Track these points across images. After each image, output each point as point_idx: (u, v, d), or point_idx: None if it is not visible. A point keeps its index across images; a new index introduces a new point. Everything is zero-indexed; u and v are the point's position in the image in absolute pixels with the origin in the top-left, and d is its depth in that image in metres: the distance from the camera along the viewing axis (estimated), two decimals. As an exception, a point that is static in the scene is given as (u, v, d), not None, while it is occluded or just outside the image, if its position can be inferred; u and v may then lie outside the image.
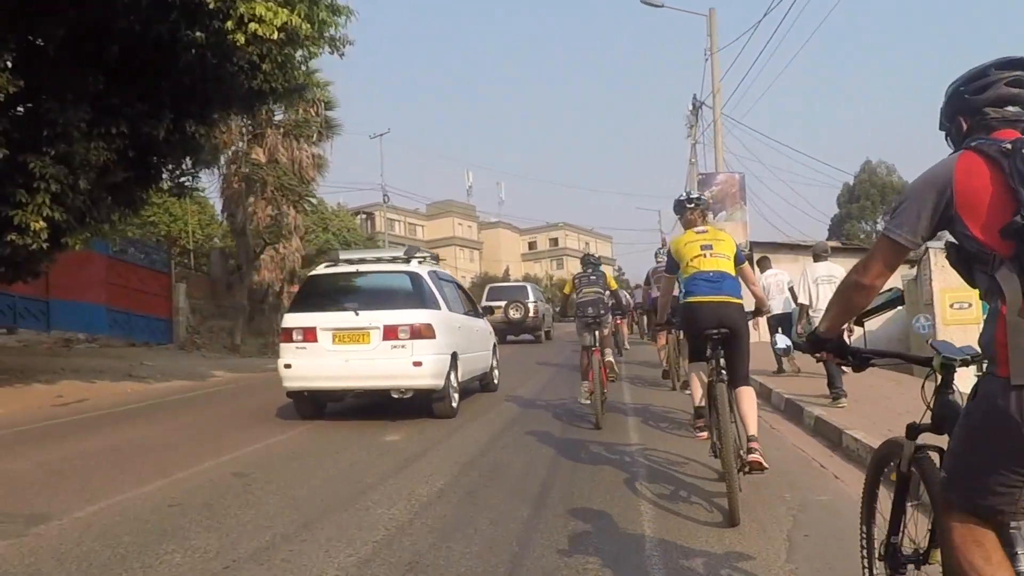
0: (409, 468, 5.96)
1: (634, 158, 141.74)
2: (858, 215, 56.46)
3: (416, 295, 8.87)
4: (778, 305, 11.00)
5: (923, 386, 2.53)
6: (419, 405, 8.67)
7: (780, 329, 10.56)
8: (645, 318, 20.84)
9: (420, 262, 9.66)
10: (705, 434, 5.48)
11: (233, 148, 22.43)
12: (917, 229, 2.15)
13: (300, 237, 35.78)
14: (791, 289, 11.25)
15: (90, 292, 18.60)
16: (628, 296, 20.31)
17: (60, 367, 13.96)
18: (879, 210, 56.08)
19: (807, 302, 9.24)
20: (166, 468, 6.06)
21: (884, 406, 8.06)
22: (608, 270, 9.27)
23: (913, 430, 2.53)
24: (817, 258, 9.65)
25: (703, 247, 5.49)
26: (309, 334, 8.60)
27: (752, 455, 4.84)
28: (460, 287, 11.40)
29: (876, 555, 2.75)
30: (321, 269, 9.77)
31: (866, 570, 2.84)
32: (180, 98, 11.89)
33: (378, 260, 9.79)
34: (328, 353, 8.49)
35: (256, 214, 21.94)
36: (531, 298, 24.05)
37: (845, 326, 7.63)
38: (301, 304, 9.15)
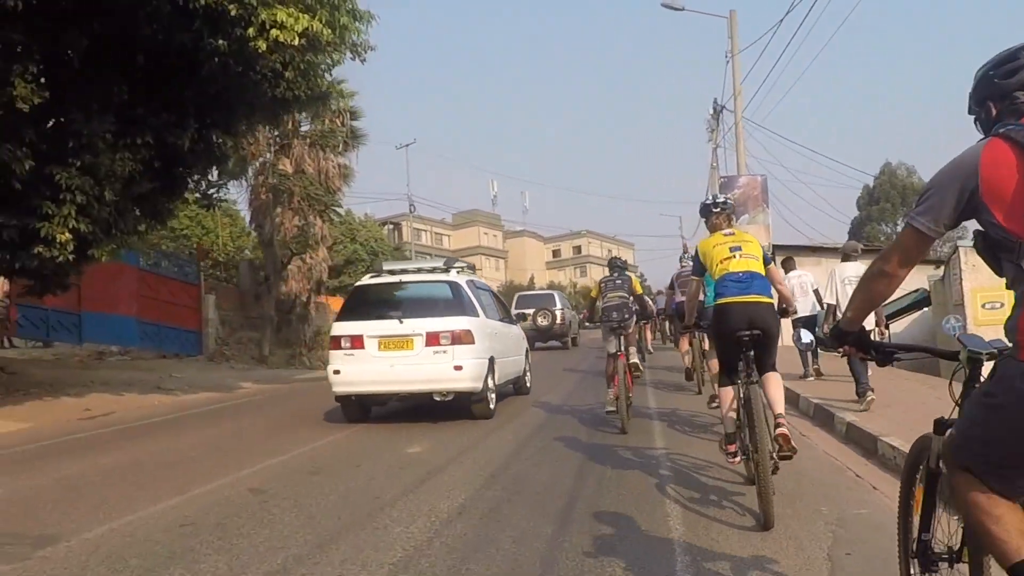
0: (430, 482, 5.77)
1: (656, 164, 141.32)
2: (878, 217, 55.66)
3: (456, 303, 9.32)
4: (804, 307, 10.82)
5: (951, 382, 2.46)
6: (447, 411, 8.92)
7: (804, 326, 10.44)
8: (668, 323, 20.69)
9: (459, 272, 10.14)
10: (738, 459, 5.25)
11: (261, 159, 22.50)
12: (940, 218, 2.14)
13: (328, 248, 35.99)
14: (816, 292, 11.11)
15: (121, 304, 18.73)
16: (651, 302, 20.18)
17: (90, 380, 14.02)
18: (899, 212, 55.35)
19: (835, 302, 8.98)
20: (184, 484, 5.93)
21: (920, 411, 7.68)
22: (631, 275, 9.19)
23: (941, 425, 2.47)
24: (846, 258, 9.44)
25: (732, 249, 5.42)
26: (356, 341, 9.04)
27: (780, 429, 4.86)
28: (495, 295, 11.84)
29: (910, 554, 2.70)
30: (366, 280, 10.17)
31: (902, 570, 2.78)
32: (204, 107, 11.90)
33: (419, 270, 10.25)
34: (374, 359, 8.95)
35: (283, 224, 21.96)
36: (558, 305, 24.60)
37: (878, 327, 7.41)
38: (348, 313, 9.53)
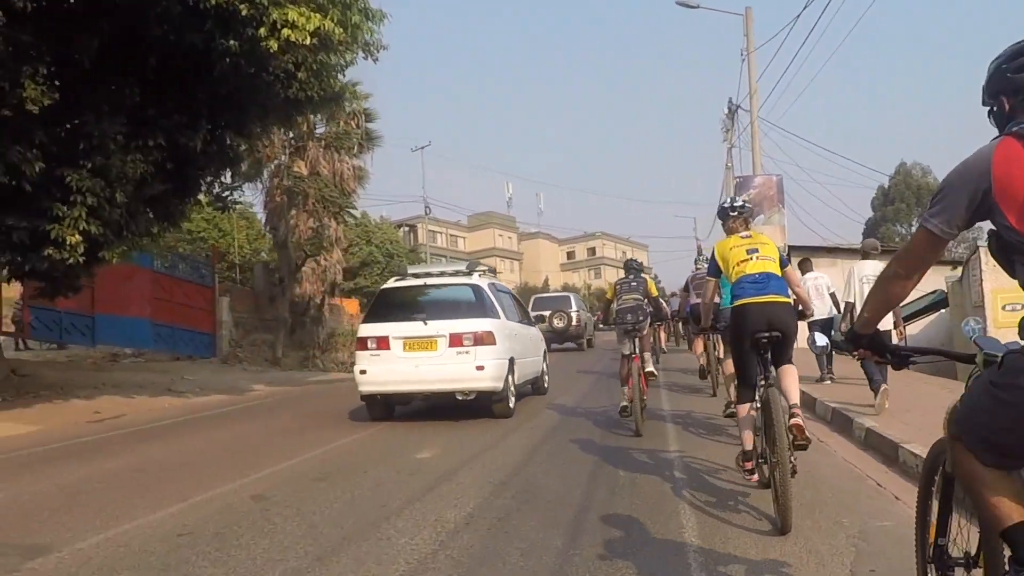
0: (438, 489, 5.61)
1: (670, 165, 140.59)
2: (893, 218, 55.11)
3: (478, 305, 9.63)
4: (820, 310, 10.62)
5: (967, 384, 2.40)
6: (460, 413, 9.06)
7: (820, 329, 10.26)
8: (681, 325, 20.54)
9: (480, 275, 10.45)
10: (756, 477, 5.11)
11: (276, 161, 22.47)
12: (954, 220, 2.11)
13: (344, 249, 35.96)
14: (832, 295, 10.95)
15: (135, 307, 18.72)
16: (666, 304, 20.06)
17: (101, 382, 13.99)
18: (914, 213, 54.89)
19: (853, 300, 8.78)
20: (186, 490, 5.81)
21: (940, 416, 7.40)
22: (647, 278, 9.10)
23: None
24: (866, 256, 9.24)
25: (749, 251, 5.40)
26: (382, 342, 9.33)
27: (794, 419, 4.87)
28: (515, 297, 12.16)
29: (927, 558, 2.67)
30: (391, 283, 10.38)
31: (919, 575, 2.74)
32: (216, 109, 11.84)
33: (442, 274, 10.52)
34: (400, 359, 9.25)
35: (298, 227, 21.89)
36: (574, 307, 24.83)
37: (896, 328, 7.32)
38: (374, 315, 9.83)
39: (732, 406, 7.42)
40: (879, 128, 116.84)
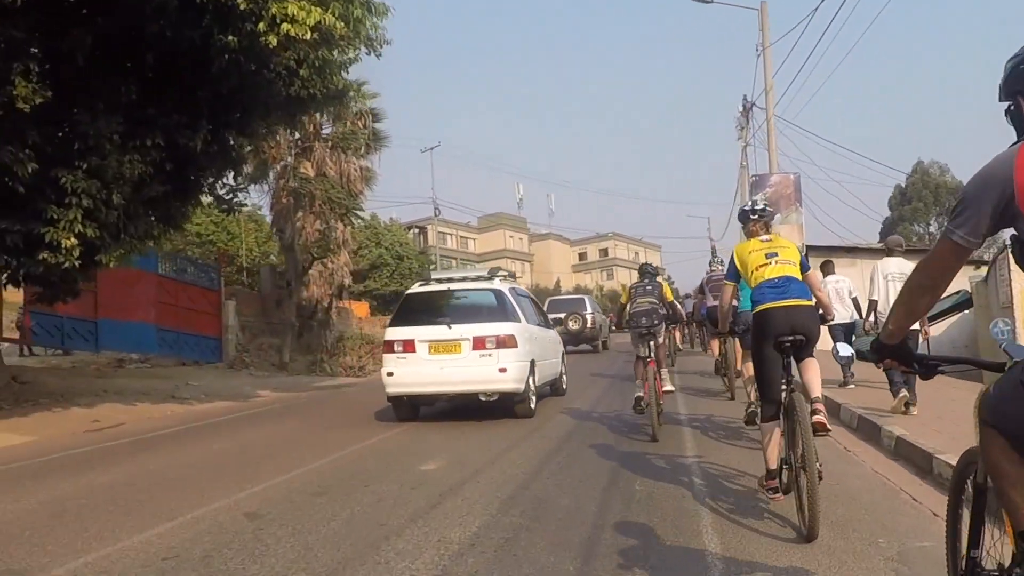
0: (443, 505, 5.25)
1: (683, 165, 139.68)
2: (911, 217, 54.61)
3: (500, 309, 9.95)
4: (841, 315, 10.43)
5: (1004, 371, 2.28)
6: (469, 421, 9.06)
7: (843, 338, 10.22)
8: (696, 326, 20.25)
9: (501, 280, 10.71)
10: (780, 497, 4.79)
11: (282, 163, 22.18)
12: (978, 229, 2.08)
13: (354, 252, 35.67)
14: (855, 300, 10.71)
15: (139, 311, 18.42)
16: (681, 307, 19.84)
17: (103, 389, 13.71)
18: (932, 212, 54.47)
19: (877, 298, 8.42)
20: (176, 507, 5.47)
21: (973, 424, 7.08)
22: (662, 282, 8.88)
23: None
24: (890, 253, 8.87)
25: (768, 255, 5.28)
26: (408, 345, 9.66)
27: (816, 416, 4.79)
28: (534, 301, 12.46)
29: (959, 571, 2.60)
30: (416, 288, 10.69)
31: None
32: (217, 108, 11.54)
33: (464, 279, 10.77)
34: (425, 362, 9.57)
35: (304, 229, 21.57)
36: (588, 310, 24.82)
37: (921, 327, 7.04)
38: (400, 319, 10.10)
39: (752, 406, 7.23)
40: (896, 125, 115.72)
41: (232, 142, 12.98)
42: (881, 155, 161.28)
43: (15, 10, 8.49)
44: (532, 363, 10.02)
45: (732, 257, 5.63)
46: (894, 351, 2.39)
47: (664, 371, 8.59)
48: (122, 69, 10.36)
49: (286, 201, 21.82)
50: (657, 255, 79.65)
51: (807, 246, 18.27)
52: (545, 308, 24.04)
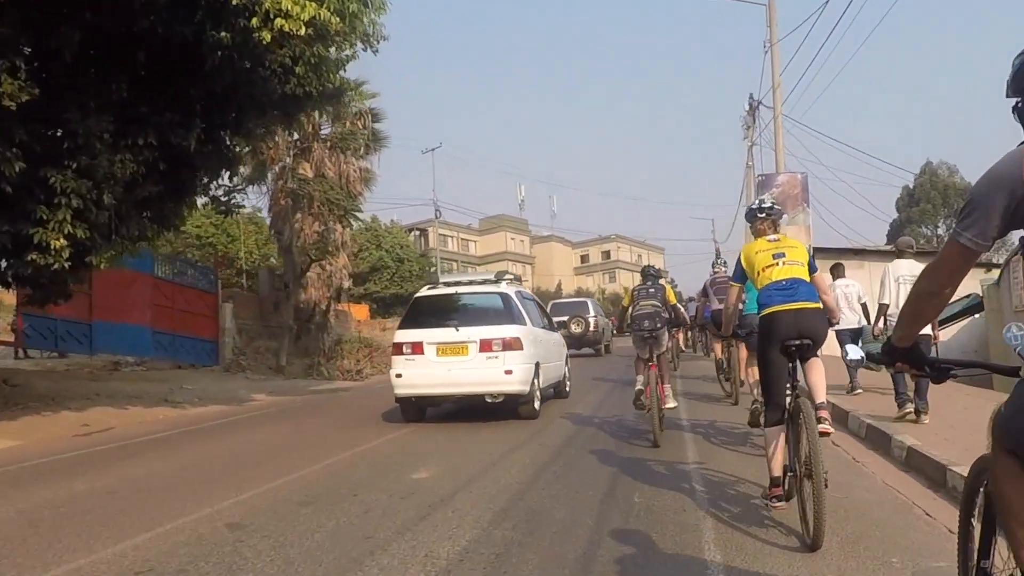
0: (432, 517, 5.03)
1: (687, 166, 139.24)
2: (919, 219, 54.14)
3: (506, 312, 10.09)
4: (850, 320, 10.29)
5: (1012, 391, 2.18)
6: (465, 426, 9.01)
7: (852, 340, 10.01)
8: (699, 330, 20.09)
9: (508, 283, 10.92)
10: (784, 505, 4.66)
11: (280, 164, 21.98)
12: (987, 231, 2.04)
13: (355, 254, 35.46)
14: (864, 306, 10.51)
15: (134, 314, 18.21)
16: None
17: (96, 392, 13.50)
18: (940, 213, 54.13)
19: (888, 301, 8.22)
20: (156, 517, 5.26)
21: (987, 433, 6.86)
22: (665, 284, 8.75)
23: None
24: (900, 255, 8.67)
25: (775, 256, 5.17)
26: (417, 348, 9.85)
27: (822, 424, 4.65)
28: (539, 304, 12.62)
29: None
30: (424, 291, 10.93)
31: None
32: (211, 106, 11.36)
33: (471, 282, 11.01)
34: (433, 364, 9.75)
35: (303, 230, 21.33)
36: (591, 313, 25.00)
37: (932, 329, 6.88)
38: (409, 322, 10.29)
39: (756, 403, 7.28)
40: (905, 125, 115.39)
41: (229, 142, 12.80)
42: (889, 155, 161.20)
43: (0, 6, 8.31)
44: (537, 365, 10.18)
45: (739, 258, 5.49)
46: (905, 354, 2.34)
47: (667, 387, 8.46)
48: (113, 66, 10.17)
49: (284, 202, 21.59)
50: (660, 257, 79.27)
51: (814, 248, 18.02)
52: (548, 311, 24.06)
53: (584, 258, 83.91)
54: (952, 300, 2.47)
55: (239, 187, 16.02)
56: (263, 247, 34.52)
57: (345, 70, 12.55)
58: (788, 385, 4.88)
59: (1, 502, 5.96)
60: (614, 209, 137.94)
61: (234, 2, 9.09)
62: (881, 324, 8.26)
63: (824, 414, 4.80)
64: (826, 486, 4.14)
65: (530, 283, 65.37)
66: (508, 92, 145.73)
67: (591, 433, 8.70)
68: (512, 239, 74.73)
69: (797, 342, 4.86)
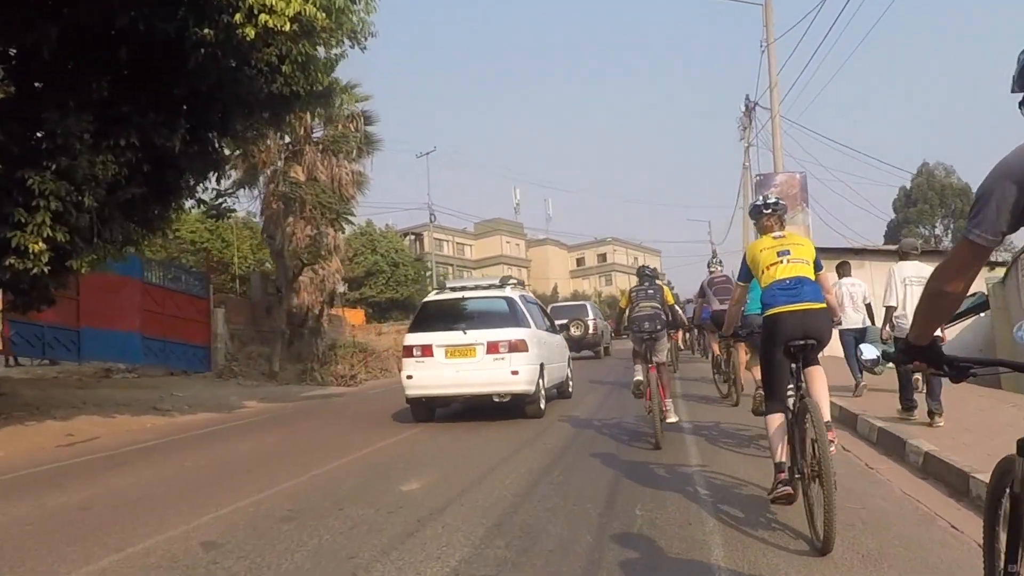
0: (421, 533, 4.71)
1: (683, 168, 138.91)
2: (916, 220, 54.14)
3: (512, 315, 10.43)
4: (854, 320, 10.12)
5: None
6: (460, 434, 8.84)
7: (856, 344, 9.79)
8: (696, 332, 19.95)
9: (512, 287, 11.28)
10: (789, 490, 4.45)
11: (272, 167, 21.67)
12: (998, 226, 2.01)
13: (350, 259, 35.09)
14: (868, 306, 10.34)
15: (124, 320, 17.88)
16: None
17: (83, 401, 13.19)
18: (938, 214, 54.11)
19: (895, 304, 7.99)
20: (128, 535, 4.95)
21: (1008, 435, 6.55)
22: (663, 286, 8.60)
23: None
24: (904, 257, 8.44)
25: (779, 253, 5.07)
26: (426, 350, 10.16)
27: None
28: (542, 308, 12.96)
29: None
30: (432, 296, 11.39)
31: None
32: (196, 106, 11.07)
33: (477, 287, 11.39)
34: (442, 366, 10.09)
35: (295, 234, 21.03)
36: (590, 316, 25.16)
37: (940, 332, 6.59)
38: (418, 326, 10.63)
39: (759, 390, 7.09)
40: (902, 125, 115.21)
41: (217, 143, 12.52)
42: (886, 155, 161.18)
43: (-28, 2, 8.03)
44: (542, 366, 10.46)
45: (744, 257, 5.42)
46: (923, 353, 2.29)
47: (668, 401, 8.35)
48: (93, 65, 9.87)
49: (276, 206, 21.29)
50: (657, 259, 78.92)
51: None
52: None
53: (580, 261, 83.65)
54: None
55: (230, 191, 15.76)
56: (258, 252, 34.22)
57: (334, 70, 12.28)
58: (793, 387, 4.80)
59: (-33, 519, 5.65)
60: (610, 212, 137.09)
61: None
62: (888, 329, 8.02)
63: (832, 435, 4.68)
64: (835, 488, 3.98)
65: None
66: (502, 95, 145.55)
67: (590, 437, 8.50)
68: (508, 243, 74.46)
69: (801, 343, 4.76)
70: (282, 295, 21.46)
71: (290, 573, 4.06)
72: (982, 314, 13.15)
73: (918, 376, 7.99)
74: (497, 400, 10.04)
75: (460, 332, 10.19)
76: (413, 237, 56.06)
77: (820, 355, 5.10)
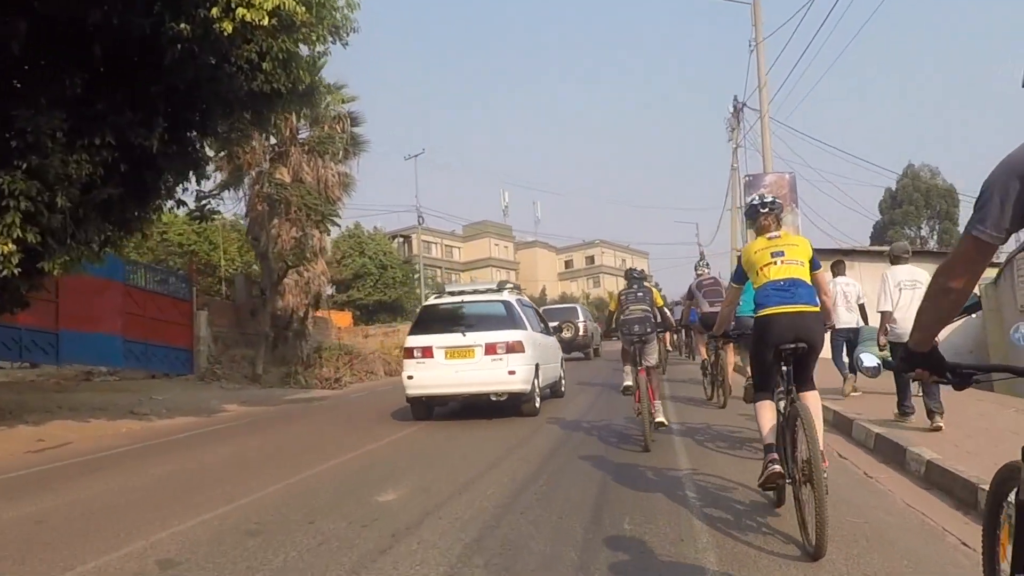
0: (395, 550, 4.42)
1: (671, 171, 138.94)
2: (901, 221, 54.33)
3: (508, 318, 10.87)
4: (848, 320, 9.99)
5: None
6: (445, 438, 8.72)
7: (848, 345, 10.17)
8: (684, 334, 19.89)
9: (509, 291, 11.68)
10: (779, 468, 4.43)
11: (257, 168, 21.35)
12: (1002, 222, 1.97)
13: (337, 261, 34.74)
14: (861, 307, 10.21)
15: (104, 322, 17.51)
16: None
17: (59, 404, 12.86)
18: (924, 215, 54.39)
19: (890, 308, 7.80)
20: (81, 552, 4.64)
21: (1012, 441, 6.30)
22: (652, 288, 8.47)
23: None
24: (896, 260, 8.26)
25: (774, 254, 4.99)
26: (427, 351, 10.55)
27: None
28: (536, 311, 13.38)
29: None
30: (432, 300, 11.90)
31: None
32: (174, 104, 10.76)
33: (475, 291, 11.80)
34: (442, 366, 10.48)
35: (280, 236, 20.72)
36: (580, 318, 25.65)
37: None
38: (419, 328, 11.05)
39: (749, 380, 7.08)
40: (888, 127, 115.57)
41: (199, 144, 12.23)
42: (872, 156, 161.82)
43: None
44: (537, 366, 10.89)
45: (739, 259, 5.38)
46: (924, 359, 2.23)
47: (658, 403, 8.26)
48: (66, 61, 9.57)
49: (261, 208, 20.97)
50: (645, 261, 78.82)
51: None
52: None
53: (568, 263, 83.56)
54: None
55: (214, 192, 15.47)
56: (245, 254, 33.84)
57: (318, 67, 12.01)
58: (784, 390, 4.74)
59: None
60: (598, 214, 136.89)
61: None
62: (884, 336, 7.82)
63: (825, 465, 4.48)
64: (826, 491, 3.91)
65: (516, 289, 64.80)
66: (490, 98, 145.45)
67: (579, 440, 8.35)
68: (496, 245, 74.26)
69: (792, 346, 4.68)
70: (267, 297, 21.13)
71: (251, 595, 3.79)
72: (973, 315, 12.99)
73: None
74: (494, 399, 10.37)
75: (459, 334, 10.56)
76: (401, 239, 55.80)
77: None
